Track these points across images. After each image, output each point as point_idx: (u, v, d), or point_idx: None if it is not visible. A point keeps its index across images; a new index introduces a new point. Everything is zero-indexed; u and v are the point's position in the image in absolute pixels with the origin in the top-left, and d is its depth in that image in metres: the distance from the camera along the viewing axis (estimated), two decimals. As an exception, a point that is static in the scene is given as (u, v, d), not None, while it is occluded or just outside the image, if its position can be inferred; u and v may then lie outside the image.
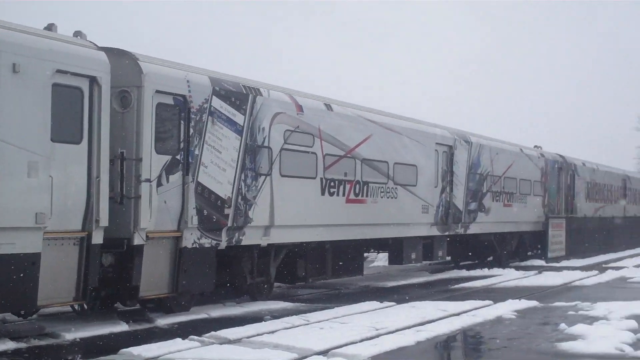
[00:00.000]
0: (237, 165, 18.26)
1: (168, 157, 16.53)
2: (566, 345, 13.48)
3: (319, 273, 22.38)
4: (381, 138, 24.03)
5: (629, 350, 13.04)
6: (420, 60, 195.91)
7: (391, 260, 27.53)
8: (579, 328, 14.92)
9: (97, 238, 14.89)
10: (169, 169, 16.52)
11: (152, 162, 16.11)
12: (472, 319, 16.87)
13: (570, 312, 17.96)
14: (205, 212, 17.32)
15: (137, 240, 15.75)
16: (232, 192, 18.12)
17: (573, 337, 14.20)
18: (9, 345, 13.76)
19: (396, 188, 24.75)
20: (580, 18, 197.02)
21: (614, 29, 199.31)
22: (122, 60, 16.06)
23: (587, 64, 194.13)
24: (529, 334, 15.11)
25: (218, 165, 17.69)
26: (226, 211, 17.96)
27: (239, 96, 18.41)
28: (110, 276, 15.82)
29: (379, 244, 26.48)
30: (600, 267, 32.67)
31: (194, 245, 17.10)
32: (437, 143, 27.72)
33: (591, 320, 16.34)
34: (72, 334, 14.80)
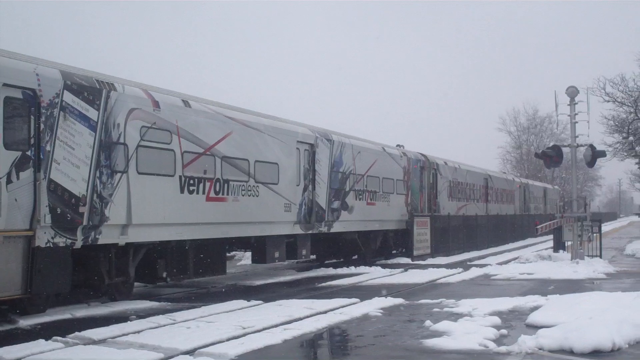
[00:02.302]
0: (91, 162, 17.82)
1: (18, 153, 15.98)
2: (431, 342, 13.52)
3: (180, 272, 22.03)
4: (241, 136, 23.84)
5: (492, 346, 13.16)
6: (287, 61, 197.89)
7: (254, 259, 27.35)
8: (443, 325, 15.00)
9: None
10: (19, 166, 15.97)
11: (1, 158, 15.55)
12: (339, 317, 16.83)
13: (436, 309, 18.11)
14: (59, 210, 16.84)
15: (-14, 240, 15.16)
16: (87, 190, 17.68)
17: (438, 334, 14.27)
18: None
19: (258, 186, 24.60)
20: (447, 23, 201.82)
21: (478, 34, 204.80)
22: (-36, 52, 15.51)
23: (451, 66, 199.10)
24: (395, 331, 15.12)
25: (71, 162, 17.22)
26: (81, 209, 17.50)
27: (92, 91, 17.97)
28: (-43, 277, 15.21)
29: (242, 243, 26.25)
30: (465, 265, 33.17)
31: (48, 245, 16.58)
32: (298, 141, 27.69)
33: (456, 317, 16.51)
34: None
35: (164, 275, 21.37)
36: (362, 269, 30.97)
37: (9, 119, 15.89)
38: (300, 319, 16.49)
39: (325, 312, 17.60)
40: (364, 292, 21.81)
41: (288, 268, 32.39)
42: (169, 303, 20.15)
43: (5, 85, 15.73)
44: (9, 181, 15.71)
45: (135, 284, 21.27)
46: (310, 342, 14.41)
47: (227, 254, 27.16)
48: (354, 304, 19.15)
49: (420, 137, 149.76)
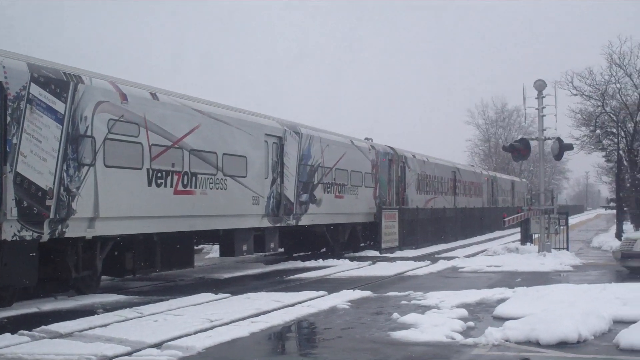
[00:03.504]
0: (58, 155, 17.72)
1: (-17, 147, 15.88)
2: (399, 334, 13.59)
3: (147, 265, 22.02)
4: (209, 128, 23.81)
5: (459, 338, 13.25)
6: (253, 52, 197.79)
7: (222, 252, 27.36)
8: (411, 317, 15.08)
9: None
10: None
11: (-34, 152, 15.44)
12: (306, 310, 16.90)
13: (403, 302, 18.19)
14: (25, 203, 16.74)
15: (-51, 235, 15.07)
16: (54, 183, 17.58)
17: (406, 326, 14.34)
18: None
19: (226, 179, 24.58)
20: (417, 16, 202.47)
21: (447, 28, 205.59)
22: None
23: (420, 60, 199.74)
24: (363, 323, 15.19)
25: (38, 155, 17.12)
26: (48, 202, 17.41)
27: (60, 83, 17.88)
28: None
29: (210, 236, 26.26)
30: (433, 258, 33.27)
31: (14, 238, 16.49)
32: (266, 134, 27.68)
33: (423, 309, 16.60)
34: None
35: (132, 268, 21.35)
36: (330, 262, 31.03)
37: (-25, 112, 15.80)
38: (268, 311, 16.51)
39: (293, 305, 17.64)
40: (332, 285, 21.90)
41: (256, 261, 32.36)
42: (137, 296, 20.12)
43: (-30, 77, 15.63)
44: (-26, 174, 15.62)
45: (103, 277, 21.22)
46: (278, 335, 14.46)
47: (195, 247, 27.15)
48: (321, 296, 19.22)
49: (389, 131, 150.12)
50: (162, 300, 18.73)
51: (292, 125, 30.28)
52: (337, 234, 35.20)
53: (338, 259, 32.28)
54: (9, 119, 16.37)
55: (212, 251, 34.80)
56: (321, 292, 19.81)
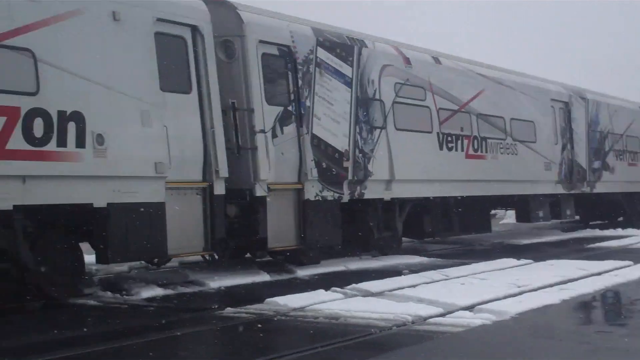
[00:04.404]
0: (350, 117, 17.92)
1: (280, 109, 16.29)
2: None
3: (446, 229, 21.99)
4: (494, 93, 23.45)
5: None
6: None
7: (519, 218, 26.99)
8: None
9: (219, 189, 14.67)
10: (282, 121, 16.27)
11: (265, 113, 15.84)
12: (614, 279, 15.71)
13: None
14: (324, 164, 17.01)
15: (259, 192, 15.50)
16: (349, 145, 17.79)
17: None
18: (157, 291, 14.03)
19: (515, 144, 24.11)
20: None
21: None
22: (220, 9, 15.76)
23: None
24: (685, 298, 14.06)
25: (331, 117, 17.38)
26: (345, 164, 17.63)
27: (344, 47, 18.11)
28: (236, 227, 15.56)
29: (503, 201, 25.89)
30: None
31: (317, 198, 16.80)
32: (552, 99, 26.97)
33: None
34: (216, 283, 14.94)
35: (430, 231, 21.33)
36: (629, 231, 29.55)
37: (268, 75, 16.21)
38: (575, 279, 15.50)
39: (599, 273, 16.55)
40: (637, 255, 20.60)
41: (551, 228, 31.59)
42: (439, 259, 19.87)
43: (261, 42, 16.01)
44: (274, 135, 16.00)
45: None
46: (589, 304, 13.55)
47: (489, 212, 26.84)
48: (627, 266, 17.91)
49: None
50: (464, 263, 18.29)
51: (577, 90, 29.38)
52: (633, 203, 33.68)
53: (638, 228, 30.82)
54: (300, 82, 16.69)
55: (507, 217, 34.35)
56: (626, 262, 18.41)
